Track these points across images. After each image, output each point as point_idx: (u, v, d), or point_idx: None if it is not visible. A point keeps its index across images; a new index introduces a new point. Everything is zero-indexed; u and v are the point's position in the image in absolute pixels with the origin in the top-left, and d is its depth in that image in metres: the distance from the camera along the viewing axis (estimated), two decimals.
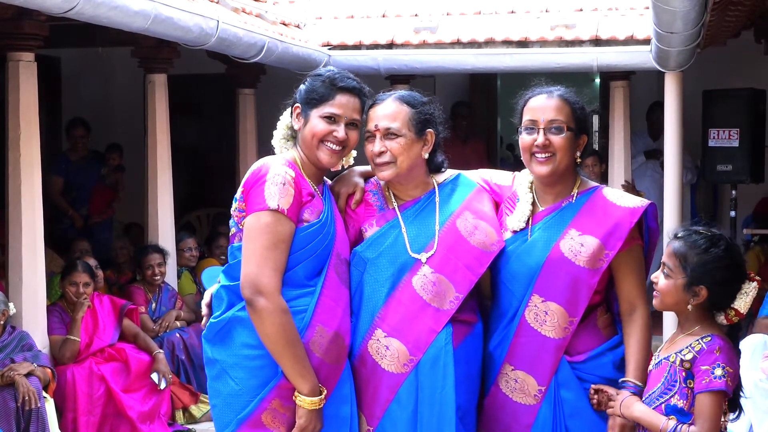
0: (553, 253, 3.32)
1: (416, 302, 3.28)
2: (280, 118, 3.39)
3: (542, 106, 3.36)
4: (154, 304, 7.13)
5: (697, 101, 8.13)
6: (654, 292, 3.16)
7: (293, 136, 3.36)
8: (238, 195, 3.23)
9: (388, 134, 3.31)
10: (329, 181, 3.45)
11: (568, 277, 3.30)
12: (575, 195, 3.40)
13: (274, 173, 3.15)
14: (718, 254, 3.05)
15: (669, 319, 6.63)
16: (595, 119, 14.53)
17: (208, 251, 8.24)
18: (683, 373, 3.06)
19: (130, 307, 6.61)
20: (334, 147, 3.26)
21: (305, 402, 3.11)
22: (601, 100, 11.15)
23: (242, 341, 3.16)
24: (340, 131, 3.26)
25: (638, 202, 3.37)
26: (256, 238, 3.11)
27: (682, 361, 3.07)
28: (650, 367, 3.21)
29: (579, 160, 3.39)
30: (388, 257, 3.30)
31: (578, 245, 3.30)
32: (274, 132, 3.38)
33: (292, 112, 3.33)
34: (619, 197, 3.40)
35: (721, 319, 3.11)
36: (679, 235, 3.12)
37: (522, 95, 3.44)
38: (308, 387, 3.11)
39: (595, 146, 14.13)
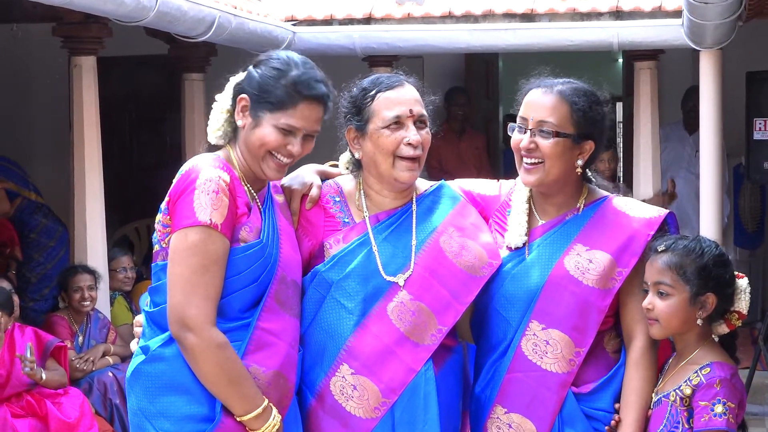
0: (555, 271, 3.35)
1: (392, 334, 3.30)
2: (216, 99, 3.32)
3: (535, 102, 3.39)
4: (81, 337, 7.09)
5: (739, 85, 8.19)
6: (650, 321, 3.30)
7: (231, 125, 3.31)
8: (163, 205, 3.23)
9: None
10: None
11: (575, 299, 3.33)
12: (581, 207, 3.45)
13: (205, 178, 3.13)
14: (714, 254, 3.29)
15: None
16: (619, 107, 14.64)
17: (147, 271, 8.22)
18: (685, 414, 3.21)
19: (57, 344, 6.57)
20: (283, 160, 3.25)
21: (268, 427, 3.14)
22: (625, 85, 11.23)
23: (164, 383, 3.16)
24: (295, 146, 3.24)
25: (656, 212, 3.43)
26: (183, 261, 3.12)
27: (681, 399, 3.22)
28: (650, 406, 3.32)
29: (579, 170, 3.42)
30: (358, 279, 3.31)
31: (586, 261, 3.35)
32: (211, 118, 3.31)
33: (235, 102, 3.28)
34: (632, 207, 3.45)
35: (722, 328, 3.33)
36: (662, 248, 3.30)
37: (527, 82, 3.48)
38: (263, 407, 3.15)
39: (620, 139, 14.26)
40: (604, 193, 3.52)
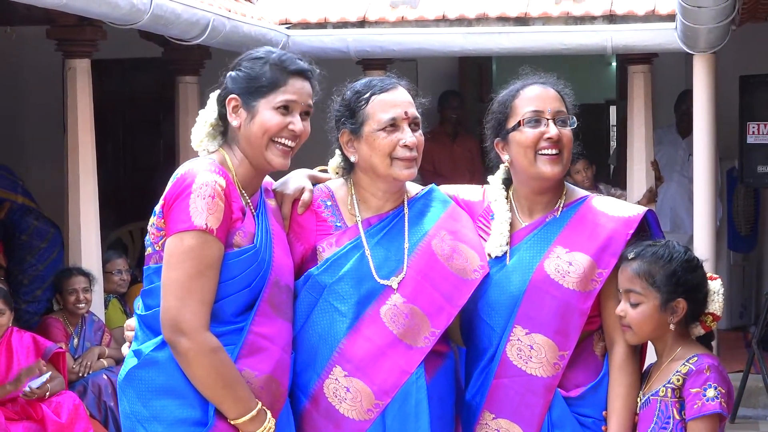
0: (536, 276, 3.36)
1: (385, 337, 3.30)
2: (200, 113, 3.35)
3: (543, 95, 3.41)
4: (76, 340, 7.08)
5: (732, 88, 8.21)
6: (623, 327, 3.32)
7: (221, 132, 3.33)
8: (157, 208, 3.22)
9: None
10: (271, 182, 3.43)
11: (556, 302, 3.34)
12: (560, 208, 3.45)
13: (202, 183, 3.13)
14: (682, 259, 3.29)
15: None
16: (612, 110, 14.69)
17: (141, 274, 8.20)
18: (677, 406, 3.21)
19: (56, 350, 6.56)
20: (287, 143, 3.26)
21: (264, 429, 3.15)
22: (619, 89, 11.26)
23: (157, 387, 3.16)
24: (296, 122, 3.25)
25: (634, 211, 3.43)
26: (178, 265, 3.12)
27: (673, 390, 3.23)
28: (637, 409, 3.32)
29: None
30: (351, 283, 3.32)
31: (566, 264, 3.35)
32: (193, 132, 3.34)
33: (224, 105, 3.28)
34: (611, 206, 3.45)
35: (698, 330, 3.34)
36: (631, 255, 3.30)
37: (506, 88, 3.48)
38: (257, 410, 3.15)
39: (612, 142, 14.30)
40: (584, 193, 3.52)
